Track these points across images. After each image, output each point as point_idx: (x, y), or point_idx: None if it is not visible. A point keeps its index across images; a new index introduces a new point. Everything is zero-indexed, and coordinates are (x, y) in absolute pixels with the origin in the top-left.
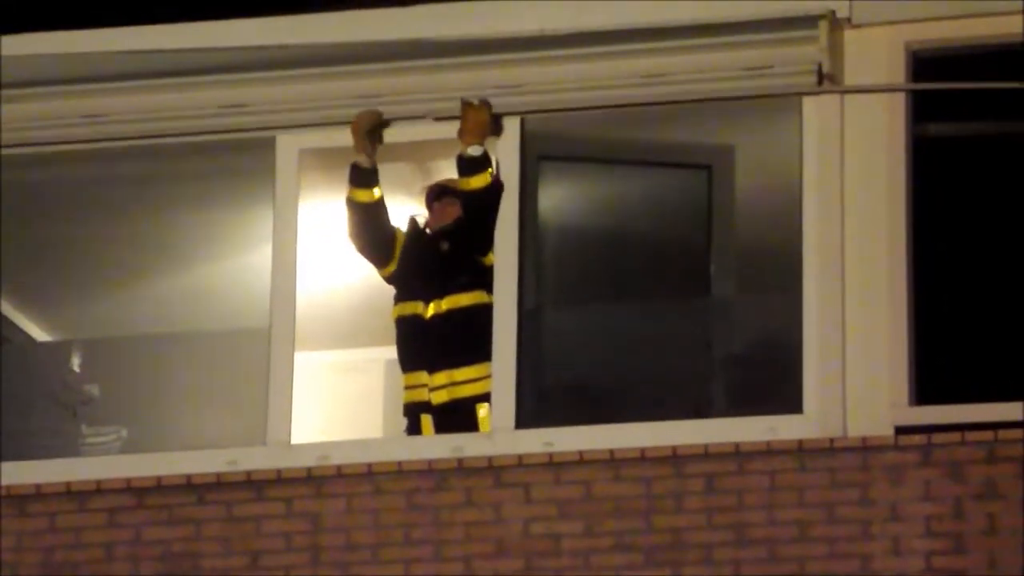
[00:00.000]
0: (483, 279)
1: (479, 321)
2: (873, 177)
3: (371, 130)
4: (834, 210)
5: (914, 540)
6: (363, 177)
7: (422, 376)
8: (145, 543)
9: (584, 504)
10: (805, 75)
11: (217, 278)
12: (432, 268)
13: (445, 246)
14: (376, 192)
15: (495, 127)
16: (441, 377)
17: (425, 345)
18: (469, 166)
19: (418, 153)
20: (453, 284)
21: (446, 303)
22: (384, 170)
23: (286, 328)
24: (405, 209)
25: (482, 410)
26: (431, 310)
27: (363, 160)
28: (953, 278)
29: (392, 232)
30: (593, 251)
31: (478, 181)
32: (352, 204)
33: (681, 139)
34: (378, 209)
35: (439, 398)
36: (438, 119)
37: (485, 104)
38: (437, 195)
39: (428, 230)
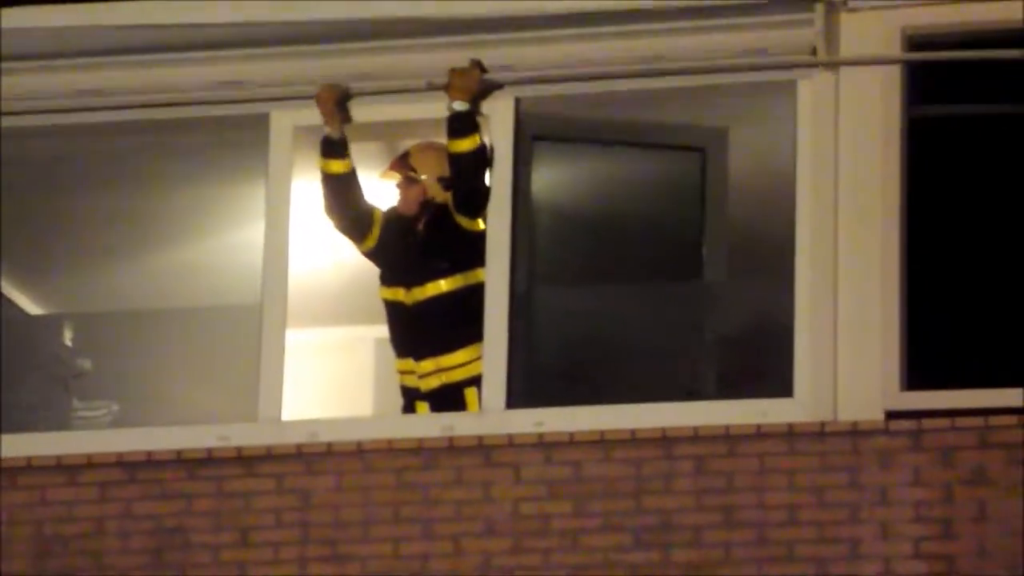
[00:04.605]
0: (468, 260)
1: (465, 304)
2: (867, 161)
3: (339, 103)
4: (827, 194)
5: (903, 525)
6: (334, 148)
7: (410, 363)
8: (135, 518)
9: (574, 484)
10: (800, 58)
11: (210, 254)
12: (410, 254)
13: (421, 228)
14: (348, 163)
15: (488, 88)
16: (428, 364)
17: (408, 333)
18: (455, 124)
19: (413, 130)
20: (431, 271)
21: (426, 291)
22: (378, 148)
23: (278, 305)
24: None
25: (470, 395)
26: (411, 297)
27: (333, 131)
28: (946, 264)
29: (369, 207)
30: (586, 232)
31: (465, 144)
32: (326, 177)
33: (675, 121)
34: (351, 180)
35: (429, 385)
36: (432, 87)
37: (475, 65)
38: (400, 172)
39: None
